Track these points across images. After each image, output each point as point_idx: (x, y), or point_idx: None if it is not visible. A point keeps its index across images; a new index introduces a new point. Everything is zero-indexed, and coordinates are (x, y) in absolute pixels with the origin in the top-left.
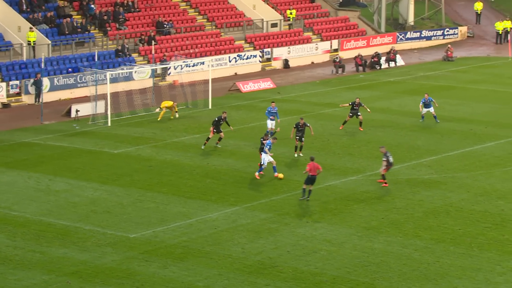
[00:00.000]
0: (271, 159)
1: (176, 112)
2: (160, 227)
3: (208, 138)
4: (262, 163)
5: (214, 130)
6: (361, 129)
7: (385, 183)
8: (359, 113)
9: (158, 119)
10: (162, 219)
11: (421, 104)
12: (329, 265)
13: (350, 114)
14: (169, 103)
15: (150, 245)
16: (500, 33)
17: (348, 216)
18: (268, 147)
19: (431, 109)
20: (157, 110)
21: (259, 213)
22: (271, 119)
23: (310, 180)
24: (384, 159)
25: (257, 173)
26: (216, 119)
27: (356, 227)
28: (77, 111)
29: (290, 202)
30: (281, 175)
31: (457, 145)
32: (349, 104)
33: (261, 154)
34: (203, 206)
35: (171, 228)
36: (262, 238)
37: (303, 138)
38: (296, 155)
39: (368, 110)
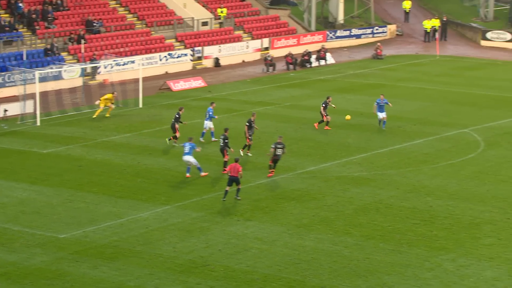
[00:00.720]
0: (191, 161)
1: (112, 103)
2: (90, 227)
3: (176, 137)
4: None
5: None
6: (328, 128)
7: (271, 172)
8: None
9: (94, 117)
10: (93, 219)
11: (375, 105)
12: (260, 263)
13: (325, 113)
14: (108, 95)
15: (80, 245)
16: (428, 31)
17: (279, 214)
18: (189, 148)
19: (384, 114)
20: (97, 102)
21: (190, 212)
22: (210, 120)
23: (231, 181)
24: (272, 147)
25: (202, 173)
26: (177, 116)
27: (287, 225)
28: (5, 110)
29: (221, 201)
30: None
31: (386, 143)
32: (323, 105)
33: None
34: (134, 205)
35: (101, 228)
36: (194, 237)
37: (251, 137)
38: (242, 153)
39: (334, 106)
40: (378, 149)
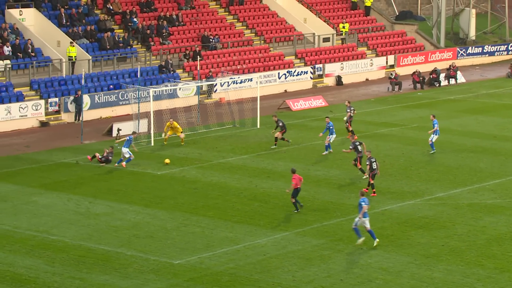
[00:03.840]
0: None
1: (182, 132)
2: (206, 253)
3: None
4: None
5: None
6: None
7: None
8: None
9: (165, 143)
10: (208, 245)
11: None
12: None
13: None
14: (167, 124)
15: (195, 272)
16: None
17: (406, 243)
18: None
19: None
20: (164, 135)
21: (310, 239)
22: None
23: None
24: (368, 163)
25: (124, 163)
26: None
27: (414, 254)
28: (118, 130)
29: (344, 228)
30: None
31: None
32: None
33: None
34: (251, 231)
35: (217, 254)
36: (314, 265)
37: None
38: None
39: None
40: None
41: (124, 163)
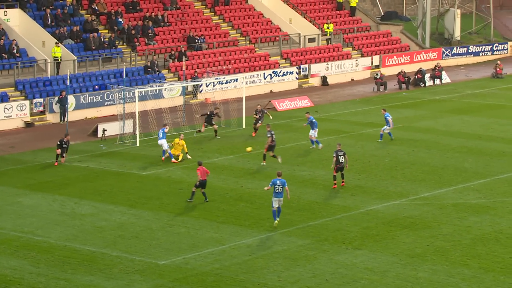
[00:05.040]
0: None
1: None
2: (191, 254)
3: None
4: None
5: (205, 124)
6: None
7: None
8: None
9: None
10: (194, 245)
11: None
12: None
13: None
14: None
15: (180, 272)
16: None
17: (391, 243)
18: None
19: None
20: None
21: (296, 239)
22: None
23: (202, 185)
24: (334, 155)
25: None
26: (208, 113)
27: (399, 254)
28: (104, 130)
29: (329, 228)
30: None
31: (507, 168)
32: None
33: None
34: (236, 231)
35: (202, 254)
36: (299, 265)
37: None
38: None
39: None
40: (498, 175)
41: (164, 157)
